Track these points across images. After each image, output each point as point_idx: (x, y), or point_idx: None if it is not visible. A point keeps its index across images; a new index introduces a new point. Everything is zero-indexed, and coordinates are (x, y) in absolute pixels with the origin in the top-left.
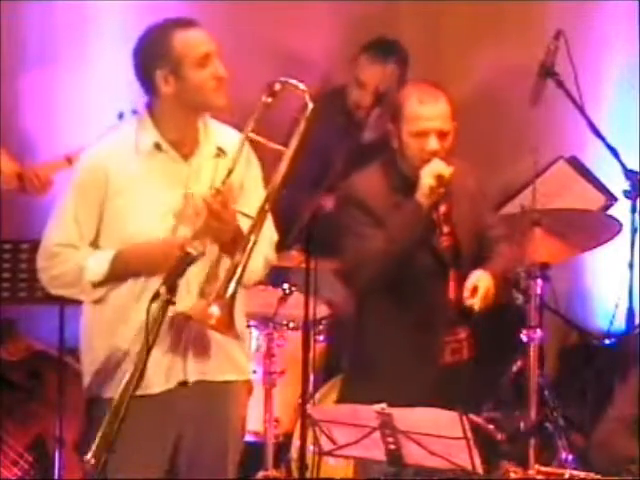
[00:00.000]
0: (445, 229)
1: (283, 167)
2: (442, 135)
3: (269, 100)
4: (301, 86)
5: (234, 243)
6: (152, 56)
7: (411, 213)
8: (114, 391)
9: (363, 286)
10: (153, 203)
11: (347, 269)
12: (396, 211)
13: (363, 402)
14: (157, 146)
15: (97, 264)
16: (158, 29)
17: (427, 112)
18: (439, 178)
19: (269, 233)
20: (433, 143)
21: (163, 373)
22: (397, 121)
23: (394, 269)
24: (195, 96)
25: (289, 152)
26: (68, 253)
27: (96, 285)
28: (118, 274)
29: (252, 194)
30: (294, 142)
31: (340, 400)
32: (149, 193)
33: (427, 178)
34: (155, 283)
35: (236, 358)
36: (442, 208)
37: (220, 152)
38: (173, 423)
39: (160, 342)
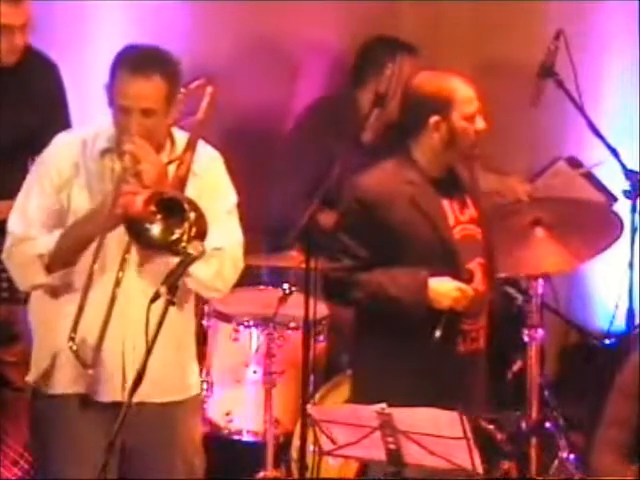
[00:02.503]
0: (462, 219)
1: None
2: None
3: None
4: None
5: None
6: None
7: (414, 283)
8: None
9: (343, 304)
10: None
11: (337, 280)
12: (402, 274)
13: (378, 398)
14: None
15: (48, 239)
16: (119, 62)
17: (474, 92)
18: (459, 297)
19: (234, 235)
20: (481, 122)
21: (113, 384)
22: (445, 110)
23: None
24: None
25: None
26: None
27: (46, 263)
28: (65, 245)
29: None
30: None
31: (355, 398)
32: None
33: (450, 295)
34: (102, 275)
35: (178, 378)
36: (461, 198)
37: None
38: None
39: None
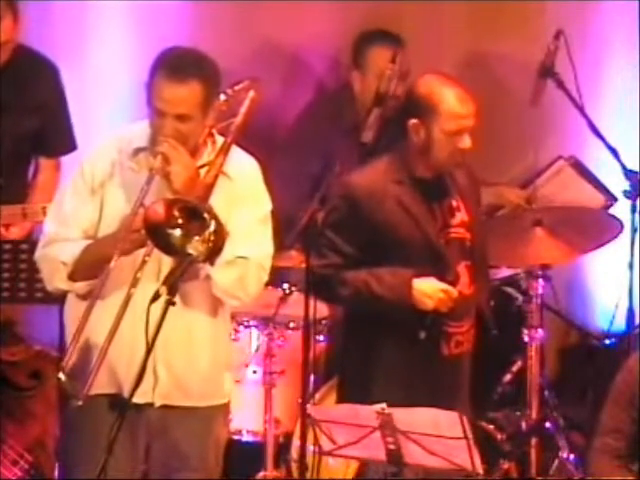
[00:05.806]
0: (453, 222)
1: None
2: (471, 133)
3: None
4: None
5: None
6: None
7: (398, 283)
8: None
9: (328, 301)
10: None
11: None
12: (389, 273)
13: (361, 399)
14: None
15: (73, 248)
16: (157, 64)
17: (465, 111)
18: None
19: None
20: (467, 142)
21: (144, 386)
22: (426, 117)
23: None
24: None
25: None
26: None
27: (69, 272)
28: (86, 259)
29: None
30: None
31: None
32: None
33: (434, 296)
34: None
35: (210, 384)
36: (452, 202)
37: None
38: (143, 433)
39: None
